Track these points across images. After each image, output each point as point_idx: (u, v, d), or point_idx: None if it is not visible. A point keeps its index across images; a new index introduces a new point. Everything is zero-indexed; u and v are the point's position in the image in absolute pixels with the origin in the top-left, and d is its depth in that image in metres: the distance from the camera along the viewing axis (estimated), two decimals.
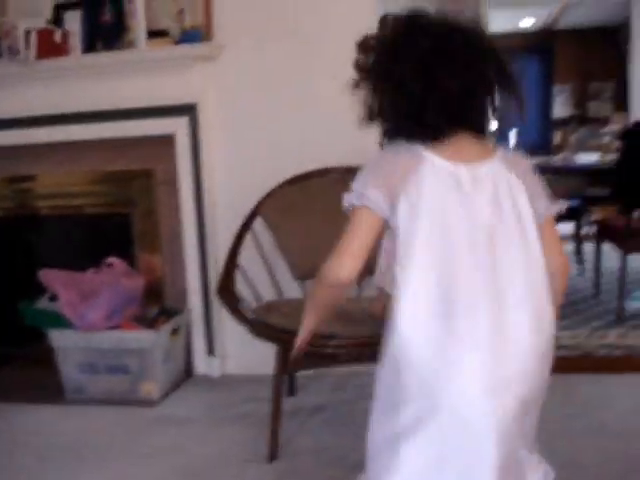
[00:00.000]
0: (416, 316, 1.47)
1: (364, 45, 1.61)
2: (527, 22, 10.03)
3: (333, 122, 3.26)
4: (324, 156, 3.24)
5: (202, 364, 3.69)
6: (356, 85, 1.60)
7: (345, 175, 2.57)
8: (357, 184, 1.56)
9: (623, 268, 4.37)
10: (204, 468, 2.68)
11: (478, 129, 1.59)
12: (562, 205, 1.65)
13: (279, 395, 2.69)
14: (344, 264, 1.55)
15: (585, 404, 3.05)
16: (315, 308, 1.73)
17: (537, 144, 9.65)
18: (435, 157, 1.53)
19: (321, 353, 2.42)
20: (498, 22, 8.87)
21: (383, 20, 1.62)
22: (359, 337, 2.44)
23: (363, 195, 1.53)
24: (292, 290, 3.18)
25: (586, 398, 3.11)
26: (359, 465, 1.67)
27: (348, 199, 1.56)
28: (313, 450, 2.75)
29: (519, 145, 9.79)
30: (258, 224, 3.23)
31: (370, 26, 1.62)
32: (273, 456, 2.66)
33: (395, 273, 1.51)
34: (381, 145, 1.65)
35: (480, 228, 1.50)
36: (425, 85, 1.50)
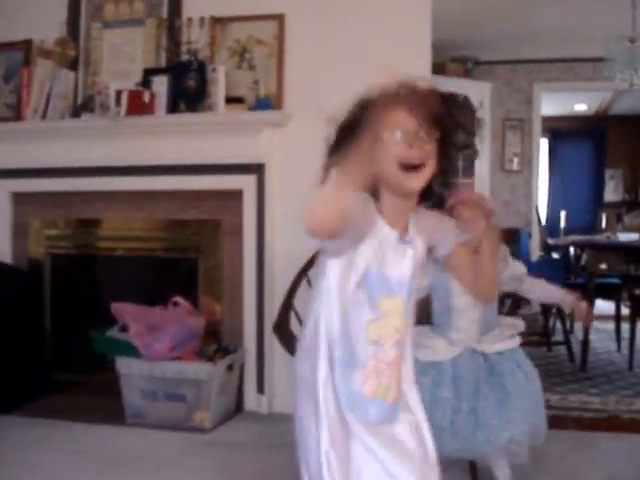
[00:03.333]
0: None
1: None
2: (580, 107, 10.26)
3: None
4: None
5: (252, 401, 4.00)
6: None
7: None
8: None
9: None
10: None
11: None
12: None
13: None
14: None
15: (604, 455, 3.30)
16: None
17: (587, 226, 9.78)
18: None
19: None
20: (553, 106, 9.17)
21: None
22: None
23: None
24: None
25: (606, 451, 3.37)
26: None
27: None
28: None
29: (568, 226, 10.02)
30: (313, 272, 3.58)
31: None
32: None
33: None
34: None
35: None
36: None
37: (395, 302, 1.72)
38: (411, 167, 1.63)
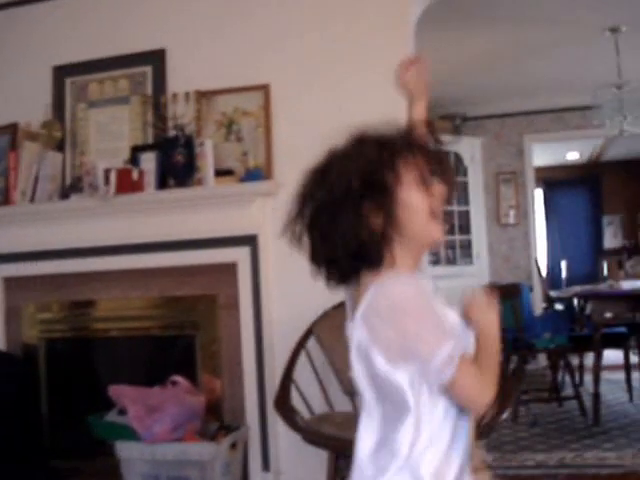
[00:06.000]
0: None
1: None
2: (573, 156, 10.27)
3: None
4: None
5: (258, 479, 3.87)
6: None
7: None
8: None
9: None
10: None
11: None
12: None
13: None
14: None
15: None
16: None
17: (589, 274, 9.73)
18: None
19: None
20: (545, 156, 9.20)
21: None
22: None
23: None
24: (342, 404, 3.41)
25: None
26: None
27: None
28: None
29: (570, 276, 9.96)
30: (311, 342, 3.51)
31: None
32: None
33: None
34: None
35: None
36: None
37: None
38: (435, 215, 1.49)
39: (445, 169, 1.51)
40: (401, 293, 1.41)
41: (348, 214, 1.44)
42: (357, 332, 1.46)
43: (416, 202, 1.46)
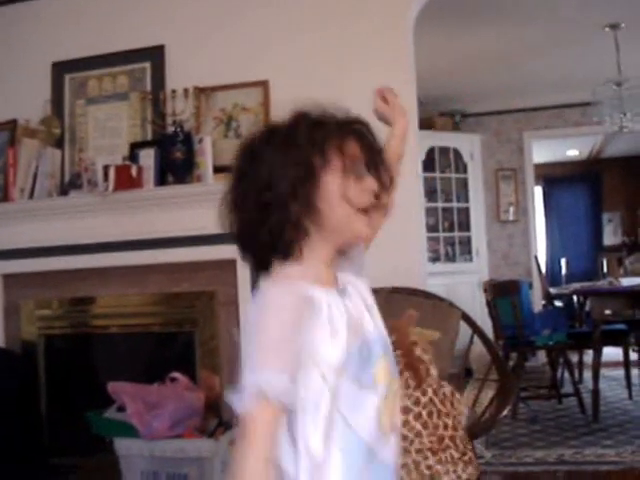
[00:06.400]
0: None
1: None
2: (572, 152, 10.26)
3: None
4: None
5: None
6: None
7: (388, 295, 2.82)
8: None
9: None
10: None
11: None
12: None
13: None
14: None
15: None
16: None
17: (589, 271, 9.71)
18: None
19: None
20: (545, 153, 9.19)
21: None
22: None
23: None
24: None
25: None
26: None
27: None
28: None
29: (569, 273, 9.95)
30: None
31: None
32: None
33: None
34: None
35: None
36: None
37: (382, 364, 1.37)
38: (363, 210, 1.36)
39: (380, 165, 1.38)
40: (268, 303, 1.29)
41: (261, 197, 1.32)
42: None
43: (340, 192, 1.32)
